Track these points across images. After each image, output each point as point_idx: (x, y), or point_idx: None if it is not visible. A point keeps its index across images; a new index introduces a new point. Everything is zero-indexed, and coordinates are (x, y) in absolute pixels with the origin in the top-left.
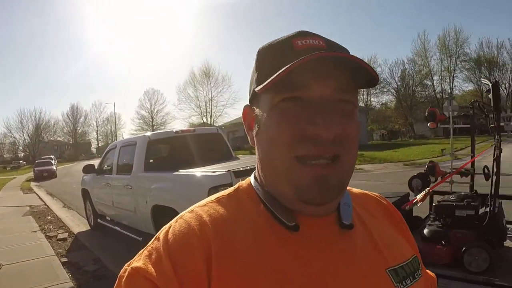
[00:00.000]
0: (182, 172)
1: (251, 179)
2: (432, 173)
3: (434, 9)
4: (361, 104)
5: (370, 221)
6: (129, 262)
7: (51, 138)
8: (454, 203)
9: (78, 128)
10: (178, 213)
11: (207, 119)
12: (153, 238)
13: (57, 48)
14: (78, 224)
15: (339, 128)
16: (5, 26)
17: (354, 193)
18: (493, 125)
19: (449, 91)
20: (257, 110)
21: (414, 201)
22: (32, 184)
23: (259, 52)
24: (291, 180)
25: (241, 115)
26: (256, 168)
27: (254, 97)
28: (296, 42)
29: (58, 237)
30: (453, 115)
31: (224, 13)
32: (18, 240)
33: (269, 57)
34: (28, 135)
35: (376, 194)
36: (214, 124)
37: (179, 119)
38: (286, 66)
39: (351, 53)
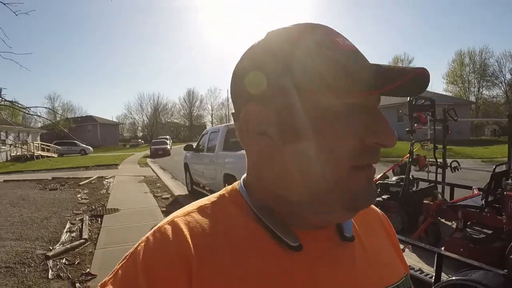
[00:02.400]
0: (240, 151)
1: (240, 187)
2: (416, 163)
3: None
4: (471, 97)
5: (367, 235)
6: (103, 282)
7: (168, 120)
8: (389, 183)
9: (194, 112)
10: (236, 179)
11: None
12: (128, 253)
13: (174, 35)
14: (180, 190)
15: (395, 137)
16: (124, 15)
17: None
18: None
19: None
20: (285, 114)
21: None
22: (148, 160)
23: (297, 45)
24: (347, 189)
25: None
26: (250, 177)
27: (274, 96)
28: (338, 41)
29: (162, 197)
30: None
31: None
32: (133, 196)
33: (314, 58)
34: (147, 116)
35: (373, 206)
36: None
37: None
38: (365, 68)
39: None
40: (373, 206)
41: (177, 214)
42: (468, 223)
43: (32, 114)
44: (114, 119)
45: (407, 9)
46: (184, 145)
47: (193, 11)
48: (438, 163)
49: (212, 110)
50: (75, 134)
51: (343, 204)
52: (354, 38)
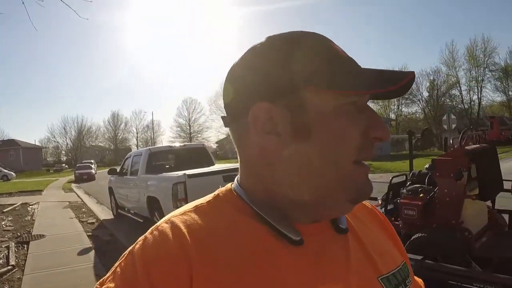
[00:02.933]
0: (162, 174)
1: (234, 186)
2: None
3: (461, 19)
4: (392, 114)
5: (359, 227)
6: (101, 280)
7: (92, 144)
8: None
9: (119, 135)
10: (159, 201)
11: None
12: (127, 252)
13: (97, 57)
14: (105, 214)
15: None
16: (47, 33)
17: None
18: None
19: (477, 102)
20: (296, 111)
21: None
22: (73, 185)
23: (297, 44)
24: (350, 183)
25: None
26: (245, 176)
27: (284, 94)
28: (337, 48)
29: (88, 221)
30: (451, 128)
31: (265, 22)
32: (59, 222)
33: (321, 56)
34: (70, 140)
35: (365, 201)
36: None
37: (213, 129)
38: (366, 71)
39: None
40: (366, 203)
41: (174, 214)
42: None
43: None
44: (37, 143)
45: (322, 29)
46: (108, 169)
47: (119, 31)
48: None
49: (137, 133)
50: None
51: (347, 197)
52: None
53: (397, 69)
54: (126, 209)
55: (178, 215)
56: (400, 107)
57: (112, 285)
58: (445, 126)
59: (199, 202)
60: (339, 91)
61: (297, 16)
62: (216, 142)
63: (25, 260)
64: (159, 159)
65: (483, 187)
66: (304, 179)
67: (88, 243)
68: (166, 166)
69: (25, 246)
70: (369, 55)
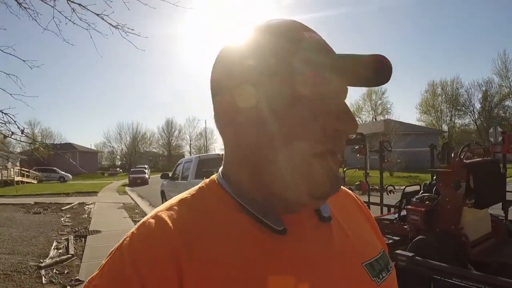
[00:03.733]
0: None
1: (218, 176)
2: (359, 188)
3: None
4: (444, 126)
5: (343, 215)
6: (90, 278)
7: (146, 149)
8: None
9: (173, 141)
10: None
11: None
12: (114, 249)
13: (153, 66)
14: None
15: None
16: (107, 48)
17: None
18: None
19: None
20: (253, 101)
21: None
22: (127, 188)
23: (262, 31)
24: (309, 176)
25: None
26: (228, 167)
27: (242, 85)
28: (304, 34)
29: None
30: (498, 141)
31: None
32: (113, 220)
33: (275, 45)
34: (125, 145)
35: (345, 189)
36: None
37: None
38: (354, 56)
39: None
40: (348, 190)
41: (159, 209)
42: (386, 231)
43: (15, 139)
44: (93, 147)
45: (378, 40)
46: (161, 174)
47: (173, 41)
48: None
49: (190, 140)
50: (55, 160)
51: (307, 191)
52: None
53: (449, 81)
54: None
55: (164, 210)
56: (453, 119)
57: (101, 281)
58: (492, 139)
59: (184, 195)
60: (287, 81)
61: (347, 21)
62: None
63: (83, 251)
64: (207, 166)
65: (478, 196)
66: (264, 169)
67: None
68: (214, 172)
69: (83, 239)
70: (421, 66)
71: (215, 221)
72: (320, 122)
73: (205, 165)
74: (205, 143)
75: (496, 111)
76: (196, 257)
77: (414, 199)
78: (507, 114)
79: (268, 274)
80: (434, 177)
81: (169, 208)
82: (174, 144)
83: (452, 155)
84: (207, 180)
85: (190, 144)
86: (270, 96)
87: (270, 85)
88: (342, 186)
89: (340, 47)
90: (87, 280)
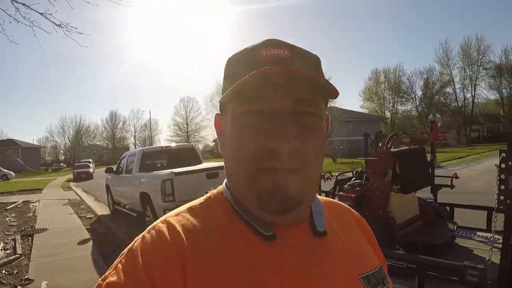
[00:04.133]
0: (152, 172)
1: (223, 187)
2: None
3: (455, 18)
4: (387, 112)
5: (341, 229)
6: (103, 276)
7: (90, 143)
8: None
9: (117, 134)
10: (150, 197)
11: None
12: (126, 250)
13: (94, 55)
14: (102, 210)
15: (297, 142)
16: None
17: (325, 202)
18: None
19: (471, 100)
20: (224, 120)
21: None
22: (71, 184)
23: (227, 61)
24: (253, 189)
25: None
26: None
27: (222, 106)
28: (261, 52)
29: (86, 217)
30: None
31: (260, 21)
32: (59, 217)
33: (236, 67)
34: (69, 139)
35: (346, 205)
36: None
37: (210, 127)
38: (242, 79)
39: (319, 63)
40: (348, 207)
41: (169, 215)
42: None
43: None
44: (35, 143)
45: (323, 30)
46: (105, 168)
47: (116, 30)
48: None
49: (135, 132)
50: None
51: (257, 205)
52: None
53: (392, 69)
54: (121, 205)
55: (173, 216)
56: (396, 105)
57: (114, 279)
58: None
59: (193, 203)
60: (222, 100)
61: (291, 13)
62: (213, 141)
63: (31, 250)
64: (151, 159)
65: (404, 182)
66: (231, 183)
67: (86, 235)
68: (158, 165)
69: (30, 238)
70: (364, 55)
71: (218, 228)
72: (258, 141)
73: (149, 158)
74: (150, 134)
75: (437, 97)
76: (199, 261)
77: (346, 185)
78: (448, 100)
79: (261, 276)
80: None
81: (178, 215)
82: (118, 136)
83: (380, 144)
84: (215, 190)
85: (135, 136)
86: (227, 115)
87: (225, 104)
88: (342, 203)
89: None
90: (100, 278)
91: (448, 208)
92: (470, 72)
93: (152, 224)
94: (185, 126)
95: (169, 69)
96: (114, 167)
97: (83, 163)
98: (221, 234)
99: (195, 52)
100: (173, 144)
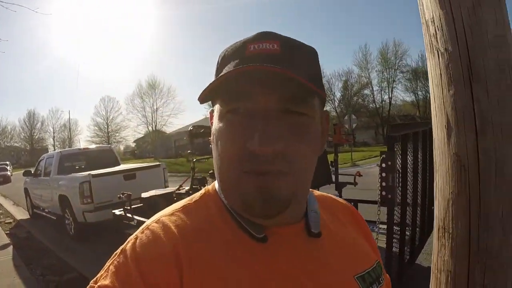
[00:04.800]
0: (71, 174)
1: (216, 185)
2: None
3: (374, 22)
4: None
5: (336, 227)
6: (95, 279)
7: (7, 144)
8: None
9: (35, 135)
10: (69, 199)
11: (153, 128)
12: (119, 251)
13: (12, 53)
14: (21, 215)
15: (280, 144)
16: None
17: (320, 197)
18: None
19: (388, 101)
20: (214, 117)
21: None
22: None
23: (219, 56)
24: (238, 192)
25: (183, 125)
26: None
27: (213, 102)
28: (249, 47)
29: (5, 221)
30: (352, 128)
31: (180, 23)
32: None
33: (223, 63)
34: None
35: (342, 200)
36: (162, 130)
37: (130, 128)
38: (218, 76)
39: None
40: (343, 200)
41: (163, 214)
42: None
43: None
44: None
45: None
46: (23, 171)
47: (32, 20)
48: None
49: (54, 133)
50: None
51: (241, 207)
52: None
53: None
54: (41, 208)
55: (168, 215)
56: None
57: (106, 282)
58: (347, 126)
59: (187, 201)
60: (199, 99)
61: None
62: (134, 141)
63: None
64: (70, 161)
65: None
66: (220, 182)
67: (6, 240)
68: (76, 167)
69: None
70: None
71: (213, 229)
72: (240, 142)
73: (68, 160)
74: (70, 135)
75: (355, 99)
76: (195, 262)
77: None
78: (366, 102)
79: (251, 278)
80: None
81: (172, 214)
82: (36, 137)
83: None
84: (209, 187)
85: (54, 136)
86: (215, 113)
87: (214, 101)
88: (337, 198)
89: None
90: (92, 281)
91: (352, 203)
92: (388, 75)
93: (145, 224)
94: (106, 126)
95: (90, 68)
96: (33, 170)
97: (0, 166)
98: (217, 235)
99: (116, 51)
100: (92, 146)
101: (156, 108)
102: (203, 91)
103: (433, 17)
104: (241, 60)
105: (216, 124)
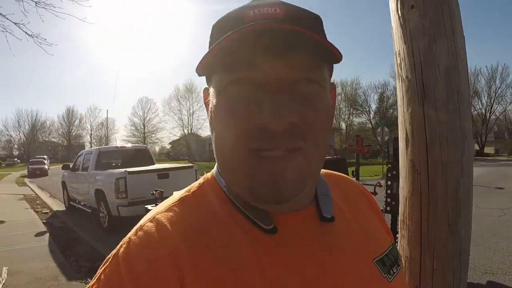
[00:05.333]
0: (107, 170)
1: (215, 171)
2: None
3: None
4: (342, 123)
5: (349, 208)
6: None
7: (46, 139)
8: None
9: (73, 131)
10: (104, 193)
11: (188, 131)
12: (111, 256)
13: (55, 51)
14: (58, 206)
15: (294, 117)
16: None
17: (328, 176)
18: None
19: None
20: (210, 94)
21: None
22: (26, 179)
23: (212, 27)
24: (244, 175)
25: None
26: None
27: (208, 79)
28: (248, 12)
29: (42, 211)
30: (384, 140)
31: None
32: (15, 211)
33: (218, 33)
34: (24, 134)
35: (349, 177)
36: (198, 134)
37: (166, 130)
38: (217, 42)
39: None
40: (351, 179)
41: (158, 210)
42: None
43: None
44: None
45: None
46: (62, 165)
47: (77, 26)
48: None
49: (91, 130)
50: None
51: (249, 191)
52: None
53: (349, 81)
54: (77, 201)
55: (163, 211)
56: (351, 117)
57: None
58: (379, 138)
59: (185, 192)
60: (197, 70)
61: None
62: (169, 143)
63: None
64: (107, 158)
65: None
66: (222, 167)
67: (43, 228)
68: (113, 164)
69: None
70: None
71: (215, 221)
72: (240, 117)
73: (105, 157)
74: (107, 134)
75: (391, 111)
76: (197, 265)
77: None
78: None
79: (262, 274)
80: None
81: (168, 209)
82: (74, 133)
83: None
84: (208, 174)
85: (91, 134)
86: (212, 88)
87: (212, 81)
88: (344, 175)
89: None
90: None
91: None
92: None
93: (139, 223)
94: (142, 127)
95: (129, 69)
96: (71, 165)
97: (38, 159)
98: (220, 229)
99: (155, 53)
100: (129, 145)
101: (193, 112)
102: (202, 59)
103: (399, 50)
104: (242, 25)
105: (214, 100)
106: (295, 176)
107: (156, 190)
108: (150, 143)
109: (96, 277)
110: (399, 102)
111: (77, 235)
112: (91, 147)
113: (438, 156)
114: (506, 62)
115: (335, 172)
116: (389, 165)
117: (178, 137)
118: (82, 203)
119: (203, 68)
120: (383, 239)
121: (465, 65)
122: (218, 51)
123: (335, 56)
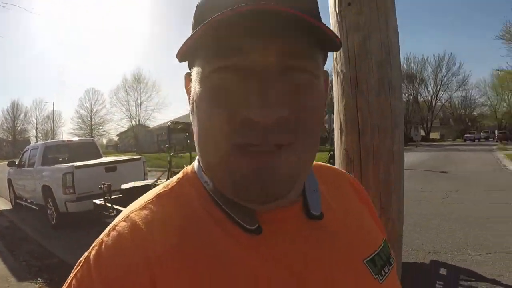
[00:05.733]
0: (54, 165)
1: (196, 165)
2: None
3: None
4: None
5: (340, 204)
6: None
7: None
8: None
9: (18, 125)
10: (52, 189)
11: (136, 122)
12: (82, 259)
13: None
14: (3, 205)
15: (283, 110)
16: None
17: (321, 169)
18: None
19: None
20: (192, 80)
21: None
22: None
23: (196, 7)
24: (228, 173)
25: (166, 120)
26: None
27: (190, 64)
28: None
29: None
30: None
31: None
32: None
33: (202, 14)
34: None
35: (339, 169)
36: (146, 125)
37: (113, 121)
38: (200, 26)
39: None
40: (341, 170)
41: (133, 208)
42: None
43: None
44: None
45: None
46: (7, 162)
47: (24, 16)
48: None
49: (37, 124)
50: None
51: (232, 189)
52: None
53: None
54: (23, 198)
55: (138, 210)
56: None
57: None
58: (326, 126)
59: (162, 188)
60: (178, 56)
61: None
62: (117, 135)
63: None
64: (53, 152)
65: None
66: (203, 162)
67: None
68: (59, 159)
69: None
70: None
71: (194, 220)
72: (224, 109)
73: (51, 152)
74: (53, 127)
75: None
76: (173, 264)
77: None
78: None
79: (244, 276)
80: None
81: (143, 207)
82: (19, 128)
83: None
84: (189, 168)
85: (37, 128)
86: (194, 76)
87: (192, 61)
88: (333, 167)
89: None
90: None
91: None
92: None
93: (113, 223)
94: (89, 119)
95: (75, 60)
96: (16, 161)
97: None
98: (199, 228)
99: (101, 43)
100: (75, 139)
101: (140, 102)
102: (184, 44)
103: None
104: (229, 6)
105: (196, 88)
106: (284, 175)
107: (103, 184)
108: (97, 135)
109: (68, 282)
110: (335, 94)
111: (25, 233)
112: (37, 141)
113: (369, 145)
114: (453, 51)
115: (325, 164)
116: (331, 153)
117: (125, 129)
118: (29, 201)
119: (184, 54)
120: (374, 236)
121: (398, 58)
122: (202, 35)
123: (332, 42)
